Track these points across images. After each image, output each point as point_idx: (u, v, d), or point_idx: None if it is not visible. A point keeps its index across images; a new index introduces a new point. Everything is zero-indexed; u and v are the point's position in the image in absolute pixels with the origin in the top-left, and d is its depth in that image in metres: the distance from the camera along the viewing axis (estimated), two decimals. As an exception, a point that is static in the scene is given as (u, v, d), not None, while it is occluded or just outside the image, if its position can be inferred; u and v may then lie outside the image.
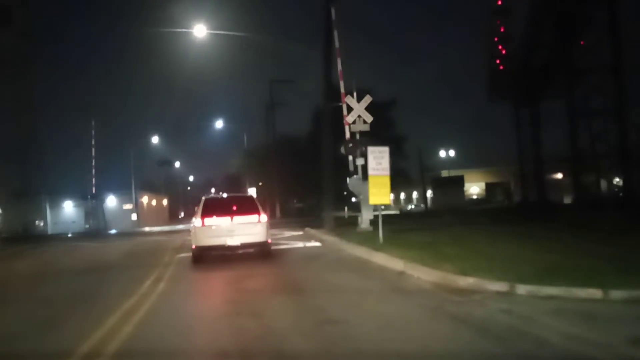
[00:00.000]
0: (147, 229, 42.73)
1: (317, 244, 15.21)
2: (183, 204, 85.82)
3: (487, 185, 63.07)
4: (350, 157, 17.57)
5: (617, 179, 37.73)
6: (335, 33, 18.58)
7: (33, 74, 46.29)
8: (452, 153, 59.94)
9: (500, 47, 41.50)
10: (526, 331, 4.91)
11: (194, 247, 11.89)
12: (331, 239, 15.34)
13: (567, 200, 44.17)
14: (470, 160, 65.13)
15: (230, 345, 5.10)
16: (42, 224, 51.64)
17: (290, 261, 11.87)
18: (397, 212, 47.90)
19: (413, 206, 64.11)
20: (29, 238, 35.66)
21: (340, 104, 18.17)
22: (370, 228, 16.02)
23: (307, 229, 20.27)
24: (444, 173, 59.81)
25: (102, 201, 53.24)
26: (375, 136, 17.53)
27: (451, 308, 5.98)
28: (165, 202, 73.20)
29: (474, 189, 63.49)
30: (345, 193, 32.33)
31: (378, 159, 12.31)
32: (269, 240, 12.15)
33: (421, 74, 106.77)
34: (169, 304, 7.39)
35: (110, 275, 11.09)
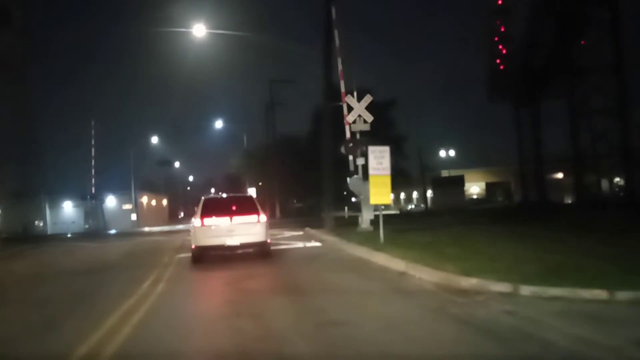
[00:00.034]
0: (146, 229, 42.64)
1: (317, 244, 15.13)
2: (183, 204, 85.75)
3: (487, 185, 62.98)
4: (351, 157, 17.49)
5: (617, 179, 37.69)
6: (336, 32, 18.51)
7: (32, 74, 46.27)
8: (452, 153, 59.86)
9: (500, 46, 41.41)
10: (531, 333, 4.83)
11: (193, 247, 11.90)
12: (331, 239, 15.26)
13: (568, 200, 44.12)
14: (470, 160, 65.06)
15: (230, 347, 5.02)
16: (41, 224, 51.55)
17: (290, 261, 11.79)
18: (397, 212, 47.81)
19: (413, 206, 64.03)
20: (28, 238, 35.60)
21: (341, 103, 18.10)
22: (371, 228, 15.95)
23: (307, 229, 20.20)
24: (444, 173, 59.74)
25: (102, 201, 53.15)
26: (375, 136, 17.45)
27: (454, 309, 5.90)
28: (165, 202, 73.12)
29: (474, 188, 63.41)
30: (345, 193, 32.25)
31: (379, 159, 12.24)
32: (269, 240, 12.17)
33: (421, 74, 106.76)
34: (168, 305, 7.31)
35: (109, 276, 11.01)
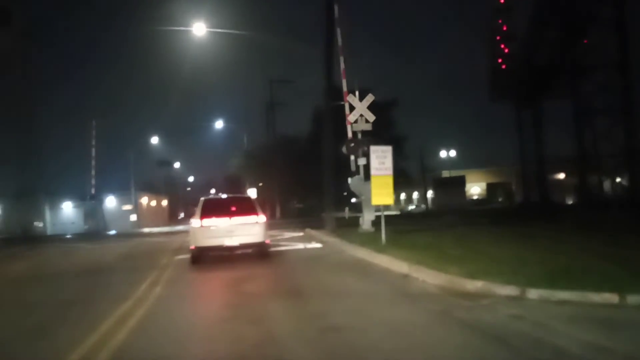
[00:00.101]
0: (146, 230, 42.47)
1: (318, 245, 14.94)
2: (183, 204, 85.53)
3: (489, 185, 62.81)
4: (352, 157, 17.33)
5: (618, 179, 37.50)
6: (338, 31, 18.33)
7: (32, 73, 46.02)
8: (453, 153, 59.73)
9: (502, 46, 41.19)
10: (541, 339, 4.63)
11: (192, 247, 11.89)
12: (332, 240, 15.09)
13: (569, 201, 43.94)
14: (471, 160, 64.95)
15: (228, 353, 4.85)
16: (41, 225, 51.32)
17: (290, 263, 11.61)
18: (398, 212, 47.64)
19: (414, 206, 63.87)
20: (27, 239, 35.36)
21: (342, 102, 17.94)
22: (372, 229, 15.78)
23: (307, 229, 20.01)
24: (445, 173, 59.59)
25: (102, 202, 52.95)
26: (376, 136, 17.30)
27: (460, 314, 5.70)
28: (165, 202, 72.94)
29: (475, 189, 63.27)
30: (345, 193, 32.09)
31: (381, 159, 12.08)
32: (268, 241, 12.24)
33: (422, 74, 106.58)
34: (165, 309, 7.12)
35: (107, 278, 10.82)
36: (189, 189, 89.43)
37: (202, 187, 75.01)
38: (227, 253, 12.12)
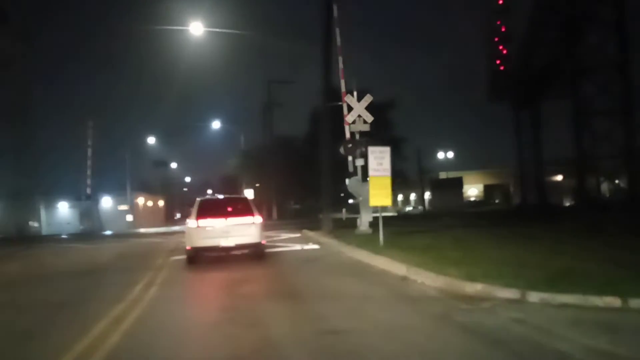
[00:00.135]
0: (142, 230, 42.29)
1: (315, 246, 14.83)
2: (179, 205, 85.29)
3: (486, 187, 62.83)
4: (350, 158, 17.23)
5: (616, 181, 37.50)
6: (337, 31, 18.23)
7: (28, 74, 45.82)
8: (450, 154, 59.72)
9: (501, 47, 41.07)
10: (544, 344, 4.54)
11: (188, 248, 11.87)
12: (330, 242, 14.97)
13: (567, 202, 43.94)
14: (469, 162, 64.98)
15: (224, 358, 4.73)
16: (36, 225, 51.07)
17: (287, 265, 11.50)
18: (395, 214, 47.55)
19: (411, 208, 63.83)
20: (22, 239, 35.16)
21: (340, 103, 17.84)
22: (370, 230, 15.68)
23: (304, 231, 19.89)
24: (442, 175, 59.57)
25: (97, 202, 52.74)
26: (374, 137, 17.21)
27: (460, 317, 5.60)
28: (161, 203, 72.70)
29: (472, 190, 63.29)
30: (342, 194, 31.97)
31: (379, 160, 11.99)
32: (264, 242, 12.25)
33: (420, 75, 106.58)
34: (159, 311, 7.00)
35: (101, 279, 10.67)
36: (185, 189, 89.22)
37: (198, 188, 74.92)
38: (223, 254, 12.12)
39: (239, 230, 11.64)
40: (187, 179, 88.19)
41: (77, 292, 9.15)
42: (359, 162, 16.60)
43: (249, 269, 10.66)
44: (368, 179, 12.22)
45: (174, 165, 70.45)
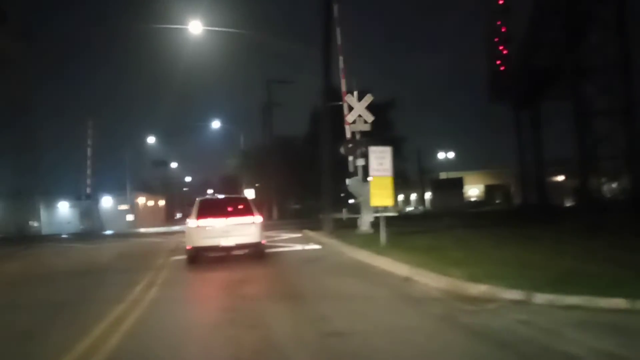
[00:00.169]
0: (142, 230, 42.21)
1: (317, 246, 14.75)
2: (180, 204, 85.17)
3: (487, 187, 62.71)
4: (350, 158, 17.16)
5: (618, 181, 37.40)
6: (338, 30, 18.16)
7: (27, 73, 45.74)
8: (451, 155, 59.65)
9: (501, 47, 41.02)
10: (552, 347, 4.46)
11: (189, 247, 11.94)
12: (331, 242, 14.90)
13: (568, 203, 43.84)
14: (469, 162, 64.89)
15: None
16: (36, 224, 51.00)
17: (288, 265, 11.43)
18: (396, 214, 47.45)
19: (412, 208, 63.73)
20: (22, 239, 35.08)
21: (340, 103, 17.78)
22: (371, 230, 15.61)
23: (305, 231, 19.82)
24: (443, 175, 59.49)
25: (98, 202, 52.66)
26: (374, 137, 17.13)
27: (465, 319, 5.52)
28: (161, 202, 72.64)
29: (473, 191, 63.17)
30: (342, 195, 31.88)
31: (380, 159, 11.93)
32: (264, 241, 12.30)
33: (420, 75, 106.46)
34: (160, 312, 6.93)
35: (101, 279, 10.61)
36: (186, 189, 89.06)
37: (199, 188, 74.70)
38: (224, 253, 12.17)
39: (239, 230, 11.71)
40: (188, 179, 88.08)
41: (77, 292, 9.09)
42: (360, 162, 16.53)
43: (249, 269, 10.60)
44: (368, 179, 12.16)
45: (174, 165, 70.39)
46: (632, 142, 29.09)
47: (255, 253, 12.13)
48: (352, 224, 18.22)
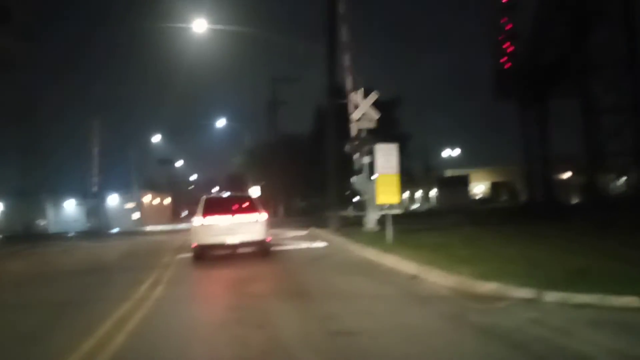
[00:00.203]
0: (148, 228, 42.32)
1: (323, 244, 14.69)
2: (186, 202, 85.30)
3: (493, 184, 62.42)
4: (356, 156, 17.07)
5: (623, 179, 37.13)
6: (344, 27, 18.04)
7: (33, 72, 45.99)
8: (456, 152, 59.42)
9: (506, 45, 40.62)
10: (565, 346, 4.36)
11: (194, 245, 12.05)
12: (337, 240, 14.83)
13: (574, 200, 43.57)
14: (475, 159, 64.63)
15: (232, 360, 4.60)
16: (43, 223, 51.25)
17: (295, 263, 11.37)
18: (401, 211, 47.31)
19: (417, 205, 63.56)
20: (29, 237, 35.28)
21: (346, 101, 17.69)
22: (377, 228, 15.54)
23: (311, 228, 19.77)
24: (448, 172, 59.26)
25: (104, 200, 52.83)
26: (379, 134, 17.03)
27: (475, 317, 5.42)
28: (167, 201, 72.81)
29: (479, 188, 62.87)
30: (347, 192, 31.78)
31: (386, 157, 11.87)
32: (269, 239, 12.38)
33: (426, 72, 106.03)
34: (166, 311, 6.88)
35: (106, 278, 10.60)
36: (191, 187, 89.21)
37: (205, 186, 74.80)
38: (229, 251, 12.24)
39: (244, 228, 11.83)
40: (193, 177, 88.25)
41: (82, 291, 9.07)
42: (365, 159, 16.46)
43: (256, 267, 10.56)
44: (373, 176, 12.09)
45: (179, 163, 70.53)
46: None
47: (260, 250, 12.20)
48: (358, 221, 18.15)
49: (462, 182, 52.53)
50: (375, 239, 12.47)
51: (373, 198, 13.55)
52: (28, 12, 45.48)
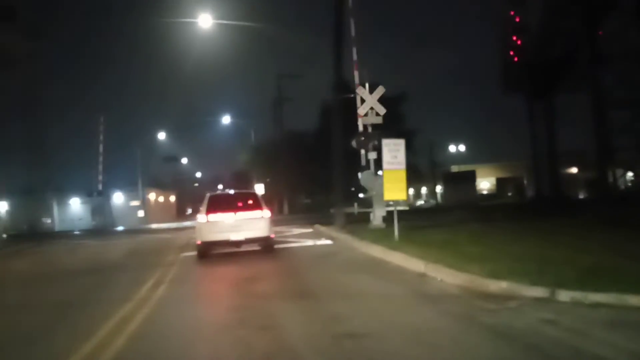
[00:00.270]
0: (154, 225, 42.28)
1: (328, 242, 14.52)
2: (191, 200, 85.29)
3: (499, 180, 62.06)
4: (362, 151, 16.90)
5: (631, 174, 36.78)
6: (352, 21, 17.86)
7: (38, 70, 45.98)
8: (462, 148, 59.06)
9: (514, 38, 40.21)
10: (582, 349, 4.18)
11: (199, 242, 12.13)
12: (343, 237, 14.66)
13: (582, 195, 43.21)
14: (481, 154, 64.26)
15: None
16: (49, 221, 51.37)
17: (300, 261, 11.21)
18: (407, 208, 47.07)
19: (423, 202, 63.30)
20: (34, 235, 35.30)
21: (352, 95, 17.53)
22: (383, 225, 15.36)
23: (316, 225, 19.60)
24: (454, 168, 58.95)
25: (109, 198, 52.89)
26: (386, 130, 16.86)
27: (486, 318, 5.24)
28: (172, 198, 72.82)
29: (485, 184, 62.54)
30: (353, 189, 31.58)
31: (393, 152, 11.66)
32: (273, 235, 12.47)
33: (433, 66, 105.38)
34: (168, 311, 6.75)
35: (109, 277, 10.47)
36: (196, 184, 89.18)
37: (210, 183, 74.75)
38: (233, 248, 12.26)
39: (248, 225, 11.94)
40: (198, 175, 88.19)
41: (84, 290, 8.96)
42: (372, 155, 16.31)
43: (260, 266, 10.42)
44: (379, 172, 11.91)
45: (184, 160, 70.49)
46: None
47: (264, 247, 12.29)
48: (364, 218, 17.99)
49: (468, 178, 52.21)
50: (382, 236, 12.29)
51: (379, 194, 13.39)
52: (33, 9, 45.50)
